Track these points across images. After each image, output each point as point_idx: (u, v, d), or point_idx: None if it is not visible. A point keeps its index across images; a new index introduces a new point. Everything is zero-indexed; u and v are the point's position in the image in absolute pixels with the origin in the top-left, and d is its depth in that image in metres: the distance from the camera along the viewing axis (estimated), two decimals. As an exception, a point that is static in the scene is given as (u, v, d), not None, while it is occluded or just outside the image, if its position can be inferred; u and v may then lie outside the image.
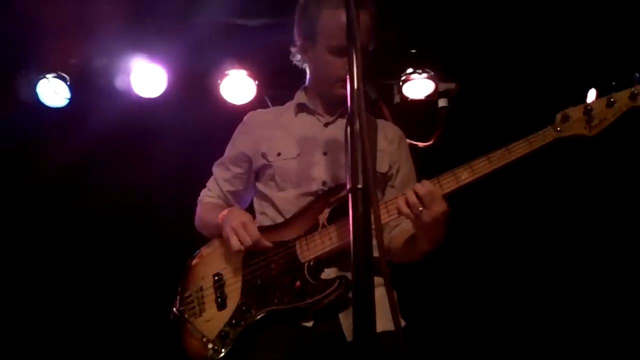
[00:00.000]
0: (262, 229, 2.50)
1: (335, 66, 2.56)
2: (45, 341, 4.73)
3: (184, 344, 2.54)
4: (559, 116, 2.21)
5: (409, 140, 2.87)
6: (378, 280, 1.76)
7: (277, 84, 4.17)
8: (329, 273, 2.41)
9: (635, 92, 2.11)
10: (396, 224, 2.61)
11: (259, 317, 2.40)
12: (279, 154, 2.62)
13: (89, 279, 4.80)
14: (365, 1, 2.49)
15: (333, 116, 2.70)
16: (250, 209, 2.74)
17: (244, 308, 2.44)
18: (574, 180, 4.55)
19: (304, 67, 2.78)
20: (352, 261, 1.60)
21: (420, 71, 4.44)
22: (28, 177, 4.60)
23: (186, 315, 2.56)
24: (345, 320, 2.37)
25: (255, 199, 2.79)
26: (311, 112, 2.74)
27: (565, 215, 4.62)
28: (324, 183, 2.54)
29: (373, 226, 1.65)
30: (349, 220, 1.64)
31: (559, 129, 2.21)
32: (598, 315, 4.51)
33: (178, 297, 2.64)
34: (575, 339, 4.52)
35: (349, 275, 2.27)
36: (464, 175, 2.28)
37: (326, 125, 2.69)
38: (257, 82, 4.41)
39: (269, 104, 4.15)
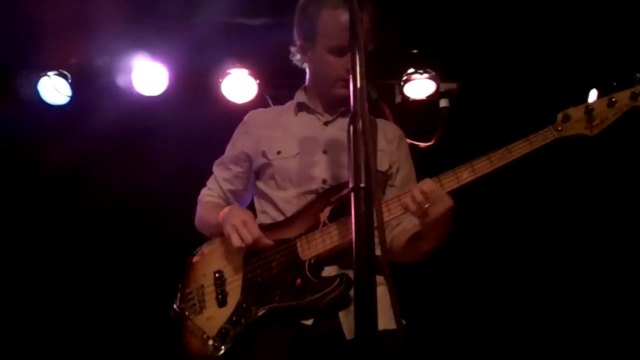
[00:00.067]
0: (263, 227, 2.51)
1: (335, 66, 2.57)
2: (46, 341, 4.74)
3: (184, 341, 2.54)
4: (560, 116, 2.22)
5: (409, 140, 2.88)
6: (379, 279, 1.76)
7: (279, 84, 4.17)
8: (329, 271, 2.41)
9: (636, 92, 2.11)
10: (397, 223, 2.61)
11: (259, 314, 2.40)
12: (279, 152, 2.63)
13: (90, 277, 4.81)
14: (365, 2, 2.50)
15: (333, 115, 2.70)
16: (251, 208, 2.74)
17: (244, 306, 2.44)
18: (574, 180, 4.55)
19: (303, 66, 2.79)
20: (354, 260, 1.60)
21: (422, 71, 4.43)
22: (29, 174, 4.61)
23: (187, 313, 2.56)
24: (345, 319, 2.37)
25: (255, 198, 2.79)
26: (311, 112, 2.75)
27: (566, 215, 4.63)
28: (324, 181, 2.55)
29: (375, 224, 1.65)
30: (350, 218, 1.64)
31: (559, 128, 2.21)
32: (598, 315, 4.51)
33: (179, 295, 2.64)
34: (575, 338, 4.53)
35: (349, 273, 2.29)
36: (465, 175, 2.29)
37: (326, 124, 2.70)
38: (258, 82, 4.41)
39: (270, 103, 4.15)
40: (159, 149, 4.48)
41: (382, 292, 1.96)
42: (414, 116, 4.23)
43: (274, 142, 2.67)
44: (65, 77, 4.39)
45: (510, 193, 4.43)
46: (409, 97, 4.49)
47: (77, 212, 4.78)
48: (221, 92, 4.41)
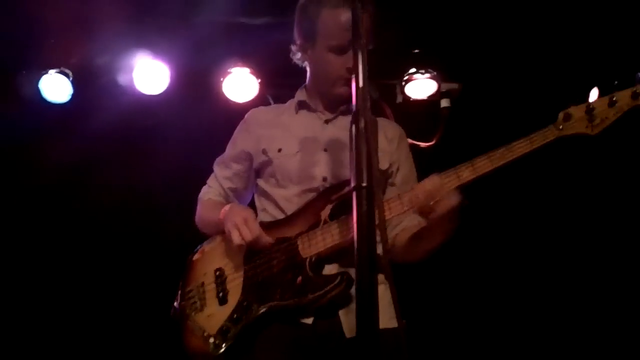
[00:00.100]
0: (264, 225, 2.51)
1: (335, 65, 2.57)
2: (47, 340, 4.74)
3: (185, 339, 2.54)
4: (561, 115, 2.22)
5: (410, 140, 2.88)
6: (379, 278, 1.76)
7: (280, 83, 4.16)
8: (330, 269, 2.40)
9: (637, 91, 2.12)
10: (397, 223, 2.61)
11: (260, 312, 2.40)
12: (279, 150, 2.63)
13: (90, 276, 4.81)
14: (365, 1, 2.50)
15: (333, 114, 2.70)
16: (251, 207, 2.73)
17: (245, 304, 2.44)
18: (575, 180, 4.56)
19: (303, 65, 2.79)
20: (356, 259, 1.60)
21: (423, 71, 4.43)
22: (30, 173, 4.61)
23: (187, 311, 2.56)
24: (345, 317, 2.37)
25: (256, 196, 2.79)
26: (312, 110, 2.75)
27: (566, 215, 4.63)
28: (324, 179, 2.55)
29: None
30: (350, 217, 1.64)
31: (560, 127, 2.21)
32: (598, 314, 4.51)
33: (179, 293, 2.64)
34: (575, 337, 4.53)
35: (350, 271, 2.30)
36: (466, 174, 2.29)
37: (326, 122, 2.70)
38: (259, 81, 4.41)
39: (271, 102, 4.14)
40: (159, 148, 4.48)
41: (383, 291, 1.96)
42: (415, 116, 4.23)
43: (275, 140, 2.67)
44: (66, 75, 4.39)
45: (511, 193, 4.43)
46: (410, 97, 4.50)
47: (78, 210, 4.78)
48: (222, 91, 4.41)
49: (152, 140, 4.55)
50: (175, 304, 2.62)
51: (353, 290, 2.29)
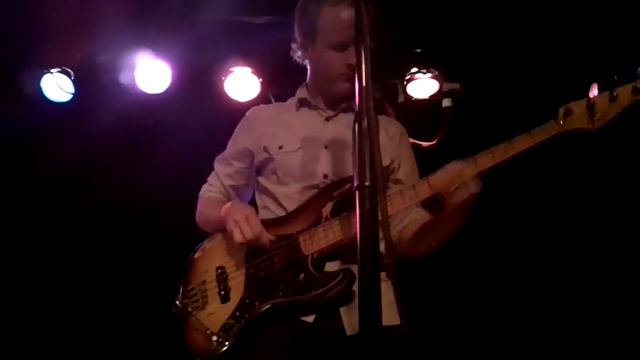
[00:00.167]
0: (265, 223, 2.50)
1: (336, 62, 2.57)
2: (49, 339, 4.74)
3: (186, 337, 2.54)
4: (561, 110, 2.21)
5: (412, 140, 2.87)
6: (382, 275, 1.76)
7: (281, 82, 4.15)
8: (332, 266, 2.40)
9: (638, 86, 2.11)
10: (403, 217, 2.60)
11: (263, 310, 2.40)
12: (280, 147, 2.63)
13: (93, 275, 4.82)
14: (366, 0, 2.51)
15: (335, 111, 2.70)
16: (252, 204, 2.73)
17: (247, 301, 2.45)
18: (576, 175, 4.56)
19: (304, 63, 2.79)
20: (359, 258, 1.61)
21: (425, 71, 4.43)
22: (32, 171, 4.61)
23: (189, 309, 2.56)
24: (346, 315, 2.37)
25: (257, 193, 2.79)
26: (312, 107, 2.75)
27: (568, 211, 4.63)
28: (325, 176, 2.54)
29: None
30: (351, 214, 1.65)
31: (561, 122, 2.20)
32: (598, 313, 4.51)
33: (181, 290, 2.63)
34: (575, 337, 4.53)
35: (352, 268, 2.30)
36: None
37: (327, 119, 2.70)
38: (261, 80, 4.41)
39: (273, 101, 4.14)
40: (161, 147, 4.48)
41: (385, 289, 1.95)
42: (416, 116, 4.22)
43: (276, 137, 2.67)
44: (68, 74, 4.40)
45: (512, 191, 4.43)
46: (411, 97, 4.50)
47: (80, 209, 4.78)
48: (224, 90, 4.42)
49: (153, 139, 4.54)
50: (177, 302, 2.61)
51: (355, 287, 2.30)
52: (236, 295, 2.48)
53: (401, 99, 4.53)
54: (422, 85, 4.47)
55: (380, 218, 1.68)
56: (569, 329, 4.57)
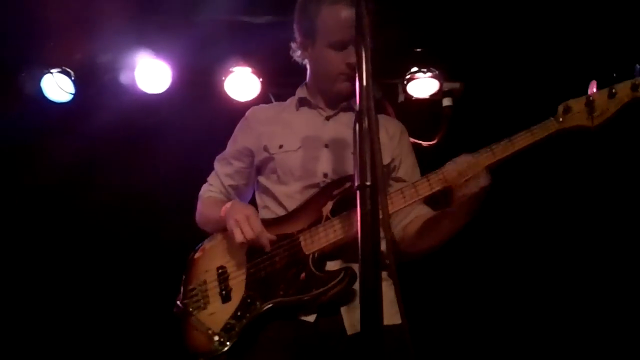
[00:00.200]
0: (266, 222, 2.51)
1: (336, 61, 2.57)
2: (49, 339, 4.73)
3: (188, 338, 2.53)
4: (560, 108, 2.22)
5: (412, 139, 2.87)
6: (383, 274, 1.76)
7: (282, 82, 4.15)
8: (333, 265, 2.40)
9: (637, 83, 2.12)
10: (406, 214, 2.60)
11: (264, 309, 2.40)
12: (280, 147, 2.63)
13: (93, 275, 4.82)
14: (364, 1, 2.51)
15: (334, 110, 2.71)
16: (252, 204, 2.73)
17: (248, 301, 2.44)
18: (575, 173, 4.56)
19: (304, 63, 2.79)
20: (360, 258, 1.61)
21: (425, 70, 4.43)
22: (32, 172, 4.61)
23: (190, 309, 2.55)
24: (347, 314, 2.37)
25: (257, 193, 2.79)
26: (312, 107, 2.75)
27: (567, 209, 4.63)
28: (325, 175, 2.54)
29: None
30: (352, 212, 1.65)
31: (561, 120, 2.21)
32: (598, 313, 4.50)
33: (182, 291, 2.63)
34: (575, 336, 4.53)
35: (353, 266, 2.30)
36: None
37: (327, 118, 2.70)
38: (261, 80, 4.42)
39: (273, 101, 4.14)
40: (161, 147, 4.49)
41: (386, 288, 1.96)
42: (416, 115, 4.23)
43: (276, 136, 2.67)
44: (68, 74, 4.40)
45: (512, 190, 4.42)
46: (412, 96, 4.50)
47: (80, 209, 4.78)
48: (224, 90, 4.42)
49: (153, 139, 4.54)
50: (178, 302, 2.61)
51: (356, 286, 2.30)
52: (237, 295, 2.48)
53: (401, 98, 4.53)
54: (423, 85, 4.47)
55: (381, 217, 1.68)
56: (569, 329, 4.57)
